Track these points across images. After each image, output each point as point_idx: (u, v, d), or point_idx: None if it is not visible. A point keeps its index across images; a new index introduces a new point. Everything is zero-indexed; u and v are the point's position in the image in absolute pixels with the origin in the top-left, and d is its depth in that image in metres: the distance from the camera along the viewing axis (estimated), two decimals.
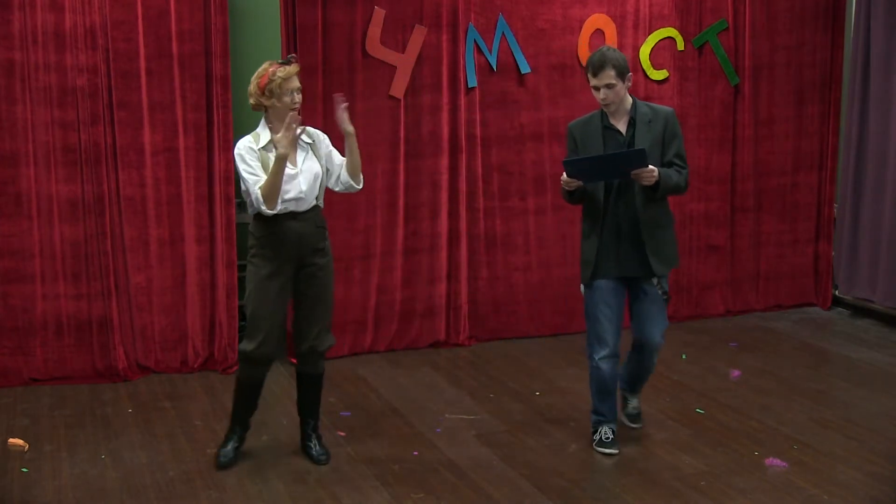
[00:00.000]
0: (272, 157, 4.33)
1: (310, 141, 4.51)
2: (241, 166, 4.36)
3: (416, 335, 6.49)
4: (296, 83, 4.36)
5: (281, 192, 4.31)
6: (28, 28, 5.56)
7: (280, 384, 5.80)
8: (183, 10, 5.78)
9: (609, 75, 4.41)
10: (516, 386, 5.75)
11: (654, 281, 4.59)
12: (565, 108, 6.59)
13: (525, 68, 6.47)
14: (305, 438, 4.74)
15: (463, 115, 6.37)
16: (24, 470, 4.58)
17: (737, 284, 7.24)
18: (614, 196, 4.54)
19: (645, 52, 6.72)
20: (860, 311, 7.18)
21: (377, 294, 6.36)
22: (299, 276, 4.50)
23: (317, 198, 4.51)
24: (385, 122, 6.23)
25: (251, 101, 4.41)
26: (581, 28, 6.56)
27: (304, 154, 4.47)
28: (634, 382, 4.99)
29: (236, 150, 4.41)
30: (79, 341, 5.83)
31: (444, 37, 6.29)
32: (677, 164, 4.53)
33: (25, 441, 4.52)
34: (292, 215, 4.41)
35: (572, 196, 4.60)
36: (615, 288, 4.63)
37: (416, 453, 4.75)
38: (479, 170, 6.48)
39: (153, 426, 5.15)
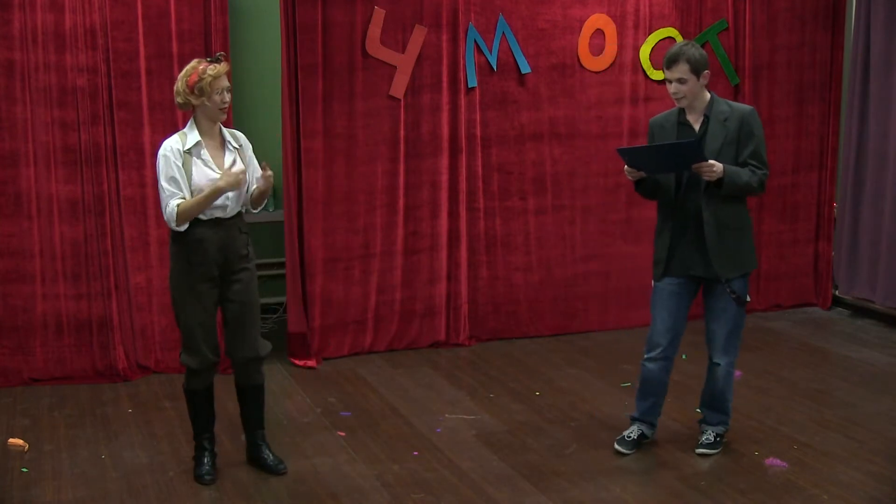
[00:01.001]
0: (196, 160, 4.23)
1: (237, 145, 4.40)
2: (163, 173, 4.22)
3: (416, 335, 6.49)
4: (225, 82, 4.23)
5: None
6: (28, 28, 5.56)
7: (279, 384, 5.80)
8: (183, 10, 5.78)
9: (682, 69, 4.37)
10: (516, 386, 5.75)
11: (724, 283, 4.49)
12: (565, 108, 6.60)
13: (525, 68, 6.47)
14: (256, 450, 4.58)
15: (463, 115, 6.37)
16: (24, 470, 4.58)
17: None
18: (684, 192, 4.49)
19: (645, 52, 6.72)
20: (860, 311, 7.17)
21: (377, 294, 6.36)
22: (224, 283, 4.36)
23: (242, 203, 4.41)
24: (385, 122, 6.23)
25: (178, 99, 4.25)
26: (581, 28, 6.56)
27: (231, 157, 4.35)
28: (705, 403, 4.82)
29: (160, 151, 4.26)
30: (79, 341, 5.83)
31: (444, 37, 6.29)
32: (753, 165, 4.43)
33: (25, 441, 4.52)
34: (216, 221, 4.29)
35: (640, 187, 4.55)
36: (679, 290, 4.62)
37: (416, 453, 4.75)
38: (479, 170, 6.48)
39: (153, 426, 5.14)
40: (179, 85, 4.23)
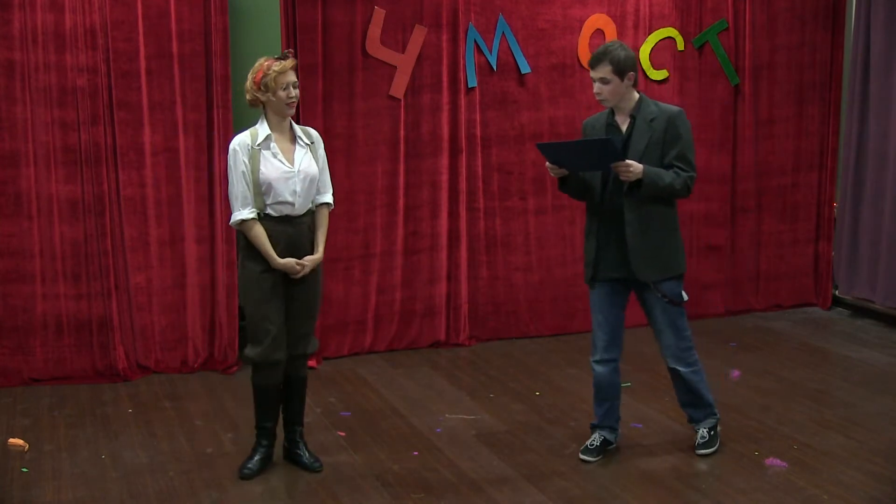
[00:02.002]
0: (265, 153, 4.28)
1: (309, 141, 4.43)
2: (233, 173, 4.30)
3: (416, 335, 6.49)
4: (291, 77, 4.29)
5: (271, 195, 4.30)
6: (28, 28, 5.56)
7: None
8: (183, 10, 5.78)
9: (605, 70, 4.32)
10: (516, 386, 5.75)
11: (653, 286, 4.45)
12: (565, 108, 6.60)
13: (525, 68, 6.47)
14: (293, 446, 4.60)
15: (463, 115, 6.37)
16: (24, 470, 4.58)
17: (737, 284, 7.24)
18: (609, 193, 4.43)
19: (645, 52, 6.72)
20: (860, 311, 7.17)
21: (377, 294, 6.36)
22: (289, 277, 4.39)
23: (312, 201, 4.44)
24: (385, 122, 6.23)
25: (247, 96, 4.35)
26: (581, 28, 6.56)
27: (302, 152, 4.39)
28: (684, 404, 4.76)
29: (231, 145, 4.35)
30: (79, 341, 5.83)
31: (444, 37, 6.29)
32: (678, 167, 4.40)
33: (25, 441, 4.52)
34: (286, 219, 4.34)
35: (564, 187, 4.48)
36: (611, 292, 4.54)
37: (416, 453, 4.75)
38: (479, 170, 6.48)
39: (153, 426, 5.14)
40: (248, 82, 4.34)
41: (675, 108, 4.45)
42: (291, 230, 4.34)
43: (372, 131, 6.21)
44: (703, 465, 4.58)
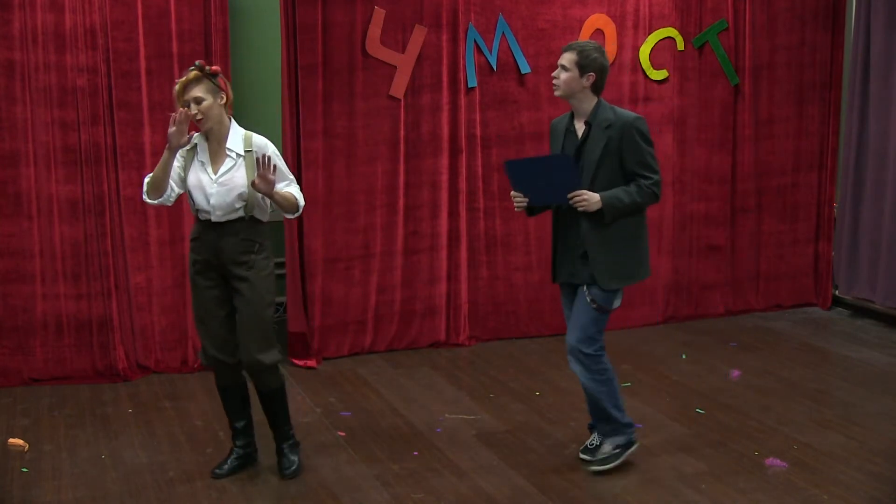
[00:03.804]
0: (196, 161, 4.28)
1: (240, 153, 4.26)
2: None
3: (416, 335, 6.49)
4: (194, 93, 4.15)
5: (192, 199, 4.26)
6: (28, 28, 5.56)
7: None
8: (183, 10, 5.78)
9: (568, 58, 4.25)
10: (516, 386, 5.75)
11: (585, 289, 4.34)
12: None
13: (525, 68, 6.47)
14: (277, 453, 4.56)
15: (463, 115, 6.37)
16: (24, 470, 4.58)
17: (737, 284, 7.24)
18: (567, 206, 4.33)
19: (645, 52, 6.72)
20: (860, 311, 7.18)
21: (377, 294, 6.36)
22: (229, 287, 4.34)
23: (244, 211, 4.26)
24: (385, 122, 6.23)
25: None
26: (581, 28, 6.56)
27: (229, 165, 4.25)
28: (591, 413, 4.58)
29: None
30: (79, 341, 5.83)
31: (444, 37, 6.29)
32: (640, 174, 4.26)
33: (25, 441, 4.53)
34: (209, 224, 4.28)
35: (532, 212, 4.47)
36: (567, 295, 4.52)
37: (416, 453, 4.75)
38: (480, 170, 6.48)
39: (153, 426, 5.14)
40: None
41: (632, 115, 4.33)
42: (213, 235, 4.28)
43: (372, 131, 6.21)
44: (703, 465, 4.58)
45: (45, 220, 5.72)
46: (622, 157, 4.27)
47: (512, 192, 4.37)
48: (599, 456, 4.51)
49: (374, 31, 6.11)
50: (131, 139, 5.81)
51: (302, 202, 4.41)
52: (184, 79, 4.19)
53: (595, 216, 4.26)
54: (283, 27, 5.95)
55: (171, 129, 4.13)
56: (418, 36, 6.22)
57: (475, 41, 6.34)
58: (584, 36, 6.55)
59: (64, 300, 5.78)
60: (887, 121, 6.79)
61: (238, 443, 4.56)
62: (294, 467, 4.50)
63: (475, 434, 5.00)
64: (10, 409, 5.40)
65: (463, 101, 6.37)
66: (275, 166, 4.21)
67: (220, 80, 4.26)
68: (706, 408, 5.32)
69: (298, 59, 5.98)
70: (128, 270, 5.88)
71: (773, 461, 4.59)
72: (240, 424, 4.55)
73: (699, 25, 6.86)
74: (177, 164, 4.30)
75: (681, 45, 6.82)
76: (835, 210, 7.33)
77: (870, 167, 6.95)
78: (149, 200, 4.33)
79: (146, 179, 4.31)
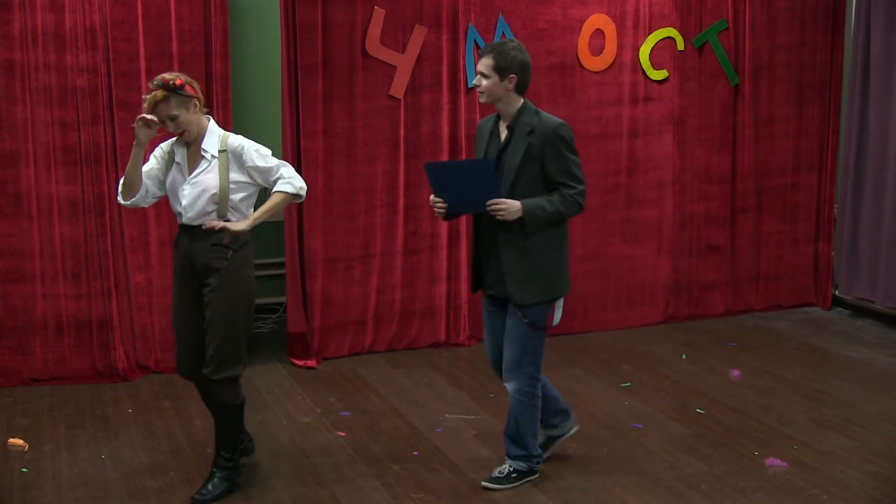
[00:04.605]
0: (175, 164, 4.23)
1: (215, 154, 4.17)
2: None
3: (416, 335, 6.49)
4: (165, 112, 4.07)
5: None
6: (28, 28, 5.56)
7: (280, 384, 5.80)
8: (183, 10, 5.77)
9: (486, 63, 4.10)
10: None
11: (517, 310, 4.14)
12: (565, 108, 6.59)
13: None
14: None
15: (463, 115, 6.37)
16: (24, 470, 4.58)
17: (737, 284, 7.24)
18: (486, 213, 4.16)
19: (645, 52, 6.72)
20: (860, 311, 7.17)
21: (377, 294, 6.36)
22: (202, 296, 4.20)
23: (217, 214, 4.16)
24: (385, 122, 6.23)
25: None
26: (581, 28, 6.56)
27: (203, 167, 4.16)
28: (507, 433, 4.37)
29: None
30: (79, 341, 5.83)
31: (444, 37, 6.29)
32: (564, 183, 4.09)
33: (25, 441, 4.53)
34: (185, 228, 4.21)
35: (450, 217, 4.25)
36: (493, 307, 4.31)
37: (416, 453, 4.75)
38: None
39: (153, 426, 5.14)
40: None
41: (556, 121, 4.15)
42: (186, 239, 4.20)
43: (372, 131, 6.21)
44: (703, 465, 4.58)
45: (45, 220, 5.72)
46: (544, 164, 4.09)
47: (432, 197, 4.20)
48: (496, 473, 4.35)
49: (374, 31, 6.11)
50: (131, 139, 5.75)
51: (297, 187, 4.21)
52: (151, 98, 4.07)
53: (513, 226, 4.07)
54: (283, 27, 5.95)
55: (138, 124, 4.09)
56: (418, 36, 6.22)
57: (475, 41, 6.34)
58: (585, 36, 6.55)
59: (64, 300, 5.78)
60: (887, 121, 6.79)
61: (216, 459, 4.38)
62: (207, 498, 4.21)
63: (475, 434, 4.99)
64: (10, 409, 5.40)
65: (463, 101, 6.37)
66: (222, 227, 4.12)
67: (187, 87, 4.11)
68: (706, 408, 5.32)
69: (298, 59, 5.98)
70: (128, 270, 5.88)
71: (773, 461, 4.59)
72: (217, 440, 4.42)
73: (699, 25, 6.85)
74: (157, 166, 4.27)
75: (681, 45, 6.82)
76: (835, 210, 7.33)
77: (870, 167, 6.95)
78: (123, 202, 4.26)
79: (121, 182, 4.26)
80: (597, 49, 6.62)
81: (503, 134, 4.21)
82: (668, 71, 6.81)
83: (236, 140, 4.22)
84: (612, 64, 6.68)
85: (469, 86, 6.36)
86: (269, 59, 6.68)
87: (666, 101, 6.83)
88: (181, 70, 5.79)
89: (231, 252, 4.16)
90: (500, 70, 4.09)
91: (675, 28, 6.78)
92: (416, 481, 4.44)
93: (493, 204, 4.03)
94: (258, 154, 4.21)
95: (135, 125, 4.11)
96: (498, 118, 4.27)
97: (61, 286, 5.76)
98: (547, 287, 4.16)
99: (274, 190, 4.25)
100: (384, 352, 6.39)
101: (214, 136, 4.21)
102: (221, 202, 4.15)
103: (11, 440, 4.42)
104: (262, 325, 6.97)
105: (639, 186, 6.85)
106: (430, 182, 4.21)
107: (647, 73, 6.76)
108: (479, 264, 4.30)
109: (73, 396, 5.60)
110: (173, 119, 4.10)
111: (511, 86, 4.13)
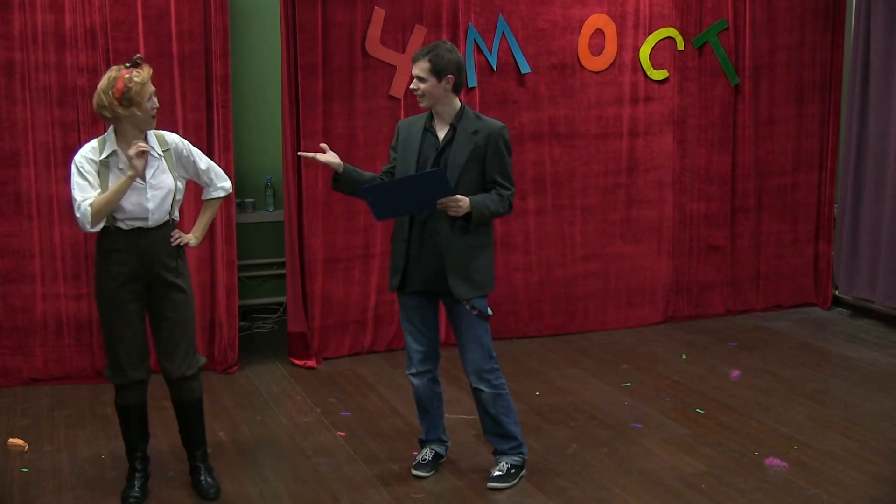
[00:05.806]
0: (113, 170, 3.98)
1: (162, 151, 4.09)
2: (75, 178, 3.95)
3: None
4: (152, 87, 3.99)
5: (118, 209, 3.98)
6: (28, 28, 5.56)
7: (280, 384, 5.80)
8: (183, 10, 5.77)
9: (422, 67, 4.11)
10: (516, 386, 5.73)
11: (464, 303, 4.21)
12: (565, 108, 6.60)
13: (525, 68, 6.47)
14: (194, 472, 4.35)
15: None
16: (24, 470, 4.58)
17: (737, 284, 7.24)
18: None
19: (645, 52, 6.72)
20: (860, 311, 7.18)
21: (377, 294, 6.36)
22: (153, 295, 4.13)
23: (170, 213, 4.12)
24: (385, 122, 6.23)
25: (105, 114, 3.95)
26: (581, 28, 6.56)
27: (154, 167, 4.05)
28: (487, 431, 4.43)
29: (76, 158, 4.01)
30: (79, 341, 5.83)
31: (444, 37, 6.28)
32: (500, 184, 4.19)
33: (25, 441, 4.53)
34: (138, 231, 4.04)
35: (337, 185, 4.26)
36: (424, 303, 4.33)
37: (415, 453, 4.75)
38: None
39: (153, 426, 5.11)
40: (103, 98, 3.92)
41: (497, 124, 4.24)
42: (144, 242, 4.05)
43: (372, 131, 6.21)
44: (702, 465, 4.58)
45: (45, 220, 5.72)
46: (485, 164, 4.18)
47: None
48: (496, 473, 4.38)
49: (374, 31, 6.11)
50: None
51: (227, 189, 4.36)
52: (142, 76, 3.98)
53: (457, 221, 4.15)
54: (283, 27, 5.95)
55: (136, 154, 3.92)
56: (418, 36, 6.22)
57: (475, 41, 6.34)
58: (585, 36, 6.55)
59: (64, 300, 5.78)
60: (887, 121, 6.79)
61: (139, 466, 4.34)
62: (215, 489, 4.29)
63: (475, 434, 4.99)
64: (10, 409, 5.40)
65: (463, 101, 6.36)
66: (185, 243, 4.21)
67: None
68: (706, 408, 5.32)
69: (298, 59, 5.98)
70: None
71: (773, 461, 4.59)
72: (142, 445, 4.37)
73: (699, 25, 6.86)
74: (92, 179, 3.98)
75: (681, 45, 6.82)
76: (835, 210, 7.33)
77: (870, 167, 6.95)
78: (92, 230, 3.99)
79: (88, 209, 3.92)
80: (597, 49, 6.62)
81: (441, 132, 4.24)
82: (669, 71, 6.81)
83: (171, 136, 4.21)
84: (613, 64, 6.68)
85: (469, 86, 6.36)
86: (269, 59, 6.69)
87: (666, 101, 6.83)
88: (181, 70, 5.82)
89: (180, 250, 4.21)
90: (438, 72, 4.13)
91: (675, 28, 6.78)
92: (416, 481, 4.44)
93: (448, 200, 4.07)
94: (196, 152, 4.25)
95: (132, 154, 3.92)
96: (430, 116, 4.28)
97: (61, 286, 5.77)
98: (484, 281, 4.27)
99: (211, 197, 4.34)
100: (384, 352, 6.39)
101: (152, 137, 4.11)
102: (176, 201, 4.14)
103: (11, 440, 4.42)
104: (263, 325, 6.97)
105: (639, 186, 6.86)
106: (370, 208, 4.12)
107: (648, 73, 6.76)
108: (406, 263, 4.28)
109: (73, 396, 5.60)
110: (156, 94, 4.06)
111: (449, 87, 4.18)
